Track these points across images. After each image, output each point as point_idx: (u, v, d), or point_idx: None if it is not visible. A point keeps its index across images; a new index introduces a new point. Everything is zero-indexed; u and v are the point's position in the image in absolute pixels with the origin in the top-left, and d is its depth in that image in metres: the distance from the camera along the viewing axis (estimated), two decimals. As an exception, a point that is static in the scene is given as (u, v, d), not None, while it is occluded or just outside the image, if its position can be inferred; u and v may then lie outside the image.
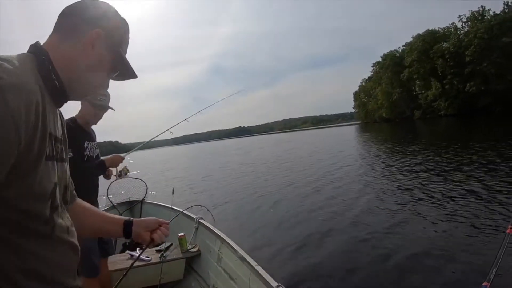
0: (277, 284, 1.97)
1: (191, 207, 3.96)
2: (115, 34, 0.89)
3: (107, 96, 2.49)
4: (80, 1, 0.86)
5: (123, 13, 0.92)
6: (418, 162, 10.89)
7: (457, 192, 6.65)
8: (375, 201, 6.69)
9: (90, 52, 0.84)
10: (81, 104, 2.49)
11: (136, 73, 0.98)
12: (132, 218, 1.13)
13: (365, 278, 3.65)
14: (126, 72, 0.96)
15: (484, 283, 1.91)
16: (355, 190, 7.92)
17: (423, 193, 6.92)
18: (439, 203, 6.15)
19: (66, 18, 0.84)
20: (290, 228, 5.66)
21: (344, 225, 5.40)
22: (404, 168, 10.29)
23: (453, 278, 3.48)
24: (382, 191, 7.48)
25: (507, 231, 2.59)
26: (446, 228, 4.89)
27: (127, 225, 1.11)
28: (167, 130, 3.73)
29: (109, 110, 2.55)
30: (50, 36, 0.83)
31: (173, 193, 4.39)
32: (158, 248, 3.23)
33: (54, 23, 0.85)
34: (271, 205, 7.60)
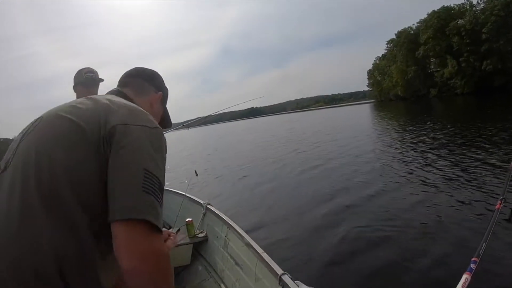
0: (282, 271, 1.95)
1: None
2: (166, 96, 1.26)
3: (93, 72, 2.49)
4: (145, 68, 1.22)
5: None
6: (424, 140, 11.16)
7: (452, 169, 6.83)
8: (378, 183, 6.73)
9: (155, 107, 1.17)
10: (75, 90, 2.48)
11: (169, 115, 1.32)
12: None
13: (368, 262, 3.63)
14: (166, 122, 1.31)
15: (474, 258, 1.94)
16: (363, 172, 7.89)
17: (421, 170, 7.19)
18: (432, 180, 6.29)
19: (138, 79, 1.17)
20: (297, 214, 5.63)
21: (351, 211, 5.32)
22: (409, 146, 10.59)
23: (443, 253, 3.48)
24: (385, 171, 7.70)
25: (497, 207, 2.75)
26: (436, 204, 4.95)
27: None
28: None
29: (101, 84, 2.54)
30: (122, 88, 1.12)
31: (196, 175, 4.29)
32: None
33: (122, 76, 1.18)
34: (280, 190, 7.73)
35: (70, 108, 0.91)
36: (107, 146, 0.82)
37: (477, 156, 7.57)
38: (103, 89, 2.61)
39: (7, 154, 0.90)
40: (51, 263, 0.74)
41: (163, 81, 1.25)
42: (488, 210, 4.31)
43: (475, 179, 5.85)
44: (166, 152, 0.91)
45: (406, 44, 68.64)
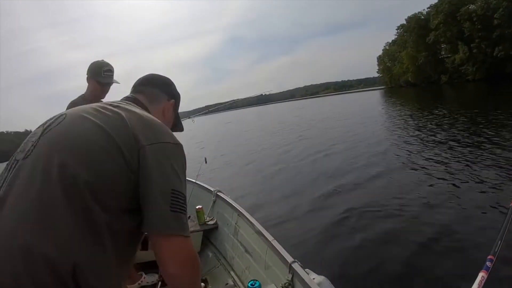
0: (292, 259, 1.95)
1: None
2: (178, 103, 1.31)
3: (112, 71, 2.55)
4: (158, 75, 1.26)
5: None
6: (433, 129, 10.79)
7: (463, 161, 6.51)
8: (388, 172, 6.63)
9: (166, 114, 1.22)
10: (88, 82, 2.53)
11: (181, 111, 1.38)
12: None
13: (378, 254, 3.63)
14: (178, 127, 1.37)
15: (490, 256, 1.86)
16: (372, 160, 7.77)
17: (430, 162, 6.93)
18: (442, 173, 6.04)
19: (151, 86, 1.21)
20: (308, 202, 5.59)
21: (362, 200, 5.24)
22: (418, 135, 10.30)
23: (458, 251, 3.43)
24: (394, 160, 7.56)
25: (511, 203, 2.45)
26: (449, 201, 4.74)
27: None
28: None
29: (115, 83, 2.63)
30: (136, 95, 1.17)
31: (206, 162, 4.27)
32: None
33: (136, 83, 1.22)
34: (289, 177, 7.68)
35: (94, 111, 0.95)
36: (135, 161, 0.88)
37: (489, 148, 7.23)
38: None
39: (26, 145, 0.91)
40: (67, 259, 0.75)
41: (175, 88, 1.31)
42: (502, 206, 4.17)
43: (487, 174, 5.56)
44: (186, 164, 1.01)
45: (416, 29, 67.46)
